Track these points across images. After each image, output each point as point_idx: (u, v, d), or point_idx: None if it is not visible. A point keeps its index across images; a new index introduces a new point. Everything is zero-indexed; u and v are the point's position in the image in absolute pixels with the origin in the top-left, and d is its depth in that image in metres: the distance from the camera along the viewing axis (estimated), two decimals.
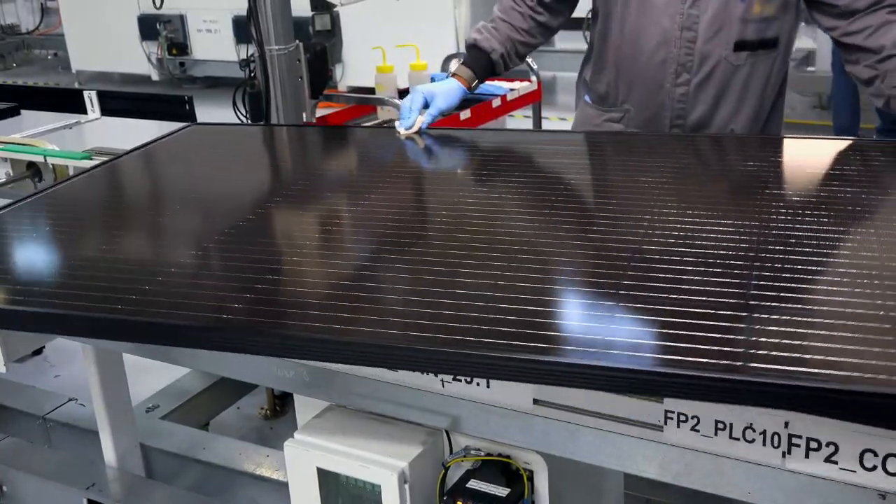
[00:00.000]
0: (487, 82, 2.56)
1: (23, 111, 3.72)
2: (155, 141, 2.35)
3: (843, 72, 2.28)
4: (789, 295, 1.30)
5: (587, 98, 2.43)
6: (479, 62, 2.32)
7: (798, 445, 1.19)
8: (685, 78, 2.15)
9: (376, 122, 2.88)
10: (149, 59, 8.31)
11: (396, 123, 2.30)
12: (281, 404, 3.10)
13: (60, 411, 2.70)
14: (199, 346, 1.50)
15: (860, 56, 2.01)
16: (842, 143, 2.06)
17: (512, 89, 3.74)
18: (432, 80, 3.81)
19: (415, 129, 2.26)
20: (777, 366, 1.11)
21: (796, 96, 6.39)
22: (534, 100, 3.93)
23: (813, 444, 1.18)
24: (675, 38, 2.12)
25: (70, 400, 2.73)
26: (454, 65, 2.80)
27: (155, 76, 8.39)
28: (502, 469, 1.47)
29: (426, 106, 2.28)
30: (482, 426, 1.43)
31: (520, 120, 5.10)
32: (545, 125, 4.68)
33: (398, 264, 1.56)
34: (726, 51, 2.11)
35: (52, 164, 2.73)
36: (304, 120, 2.75)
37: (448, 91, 2.29)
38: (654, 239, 1.54)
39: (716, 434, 1.24)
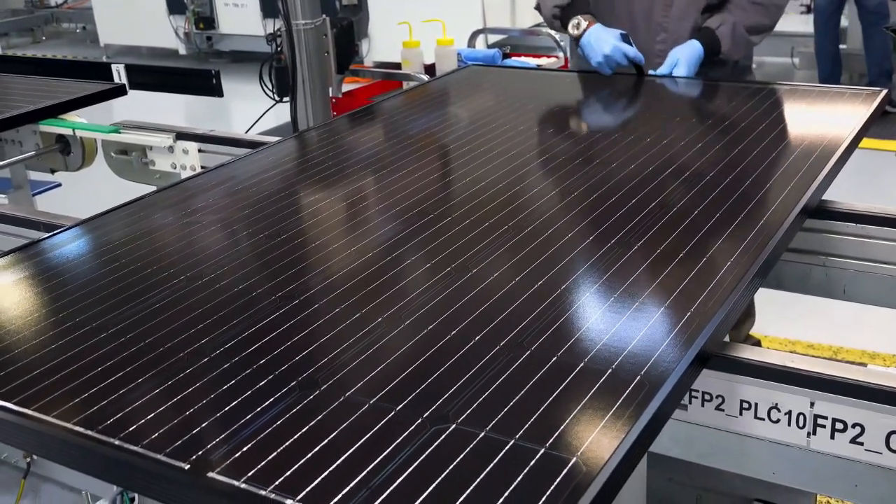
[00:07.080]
0: (514, 57, 2.56)
1: None
2: None
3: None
4: None
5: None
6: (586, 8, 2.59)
7: (823, 426, 1.19)
8: (663, 37, 2.51)
9: None
10: (176, 34, 8.33)
11: None
12: None
13: None
14: None
15: None
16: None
17: (539, 65, 3.71)
18: (459, 55, 3.80)
19: None
20: None
21: None
22: None
23: (839, 425, 1.18)
24: (658, 3, 2.49)
25: None
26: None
27: (182, 50, 8.42)
28: None
29: None
30: None
31: None
32: None
33: None
34: (696, 14, 2.48)
35: (81, 137, 2.75)
36: (331, 95, 2.75)
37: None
38: None
39: (741, 413, 1.24)
